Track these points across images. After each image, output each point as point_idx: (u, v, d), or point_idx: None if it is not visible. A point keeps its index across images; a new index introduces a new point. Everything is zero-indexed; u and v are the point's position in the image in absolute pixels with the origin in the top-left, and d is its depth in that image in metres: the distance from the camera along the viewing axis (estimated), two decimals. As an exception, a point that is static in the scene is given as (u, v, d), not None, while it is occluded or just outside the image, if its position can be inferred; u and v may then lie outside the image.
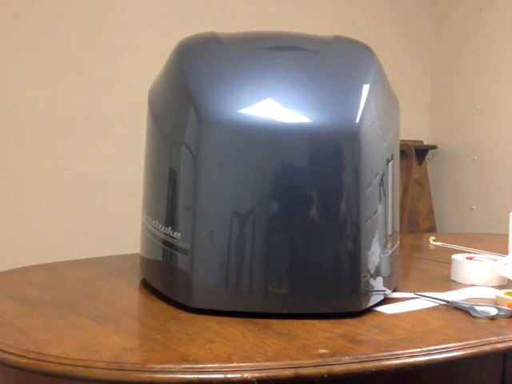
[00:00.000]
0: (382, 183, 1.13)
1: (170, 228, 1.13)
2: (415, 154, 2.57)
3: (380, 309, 1.12)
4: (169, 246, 1.13)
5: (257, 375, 0.83)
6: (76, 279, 1.33)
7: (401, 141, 1.29)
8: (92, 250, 1.86)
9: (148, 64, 1.84)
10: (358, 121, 1.07)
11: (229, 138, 1.08)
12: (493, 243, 1.80)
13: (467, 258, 1.38)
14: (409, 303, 1.17)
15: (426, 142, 3.56)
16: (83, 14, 2.42)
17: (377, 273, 1.12)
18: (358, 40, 1.29)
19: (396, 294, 1.22)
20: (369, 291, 1.10)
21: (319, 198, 1.07)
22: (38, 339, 0.94)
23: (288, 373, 0.85)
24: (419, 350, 0.93)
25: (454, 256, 1.40)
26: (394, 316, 1.10)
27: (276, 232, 1.06)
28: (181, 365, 0.85)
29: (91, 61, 2.43)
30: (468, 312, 1.11)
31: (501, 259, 1.36)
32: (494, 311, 1.10)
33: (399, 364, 0.90)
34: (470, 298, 1.21)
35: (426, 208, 3.44)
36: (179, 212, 1.11)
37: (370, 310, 1.11)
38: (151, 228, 1.20)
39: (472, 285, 1.32)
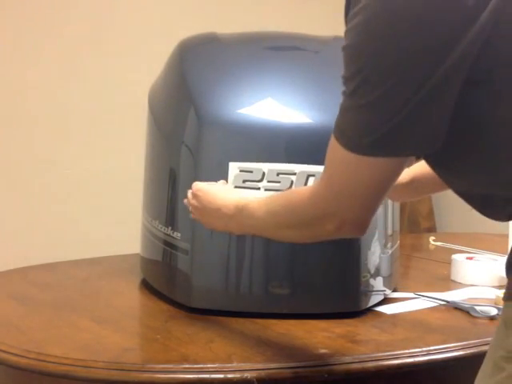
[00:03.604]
0: (381, 183, 1.12)
1: (170, 228, 1.13)
2: (415, 153, 2.56)
3: (380, 309, 1.12)
4: (169, 246, 1.13)
5: (257, 375, 0.83)
6: (76, 279, 1.33)
7: (401, 141, 1.29)
8: (92, 250, 1.86)
9: (148, 64, 1.84)
10: (357, 121, 1.07)
11: (229, 138, 1.08)
12: (493, 243, 1.79)
13: (467, 258, 1.38)
14: (409, 303, 1.17)
15: (426, 142, 3.55)
16: (84, 15, 2.42)
17: (377, 273, 1.12)
18: (357, 40, 1.29)
19: (396, 294, 1.21)
20: (369, 291, 1.10)
21: (319, 198, 1.06)
22: (37, 339, 0.94)
23: (288, 373, 0.85)
24: (419, 350, 0.93)
25: (454, 256, 1.40)
26: (394, 316, 1.10)
27: (276, 232, 1.06)
28: (181, 365, 0.85)
29: (92, 61, 2.43)
30: (468, 312, 1.11)
31: (501, 259, 1.36)
32: (493, 311, 1.09)
33: (399, 364, 0.90)
34: (470, 298, 1.21)
35: (425, 208, 3.43)
36: (179, 212, 1.11)
37: (370, 310, 1.11)
38: (151, 228, 1.20)
39: (472, 285, 1.32)
